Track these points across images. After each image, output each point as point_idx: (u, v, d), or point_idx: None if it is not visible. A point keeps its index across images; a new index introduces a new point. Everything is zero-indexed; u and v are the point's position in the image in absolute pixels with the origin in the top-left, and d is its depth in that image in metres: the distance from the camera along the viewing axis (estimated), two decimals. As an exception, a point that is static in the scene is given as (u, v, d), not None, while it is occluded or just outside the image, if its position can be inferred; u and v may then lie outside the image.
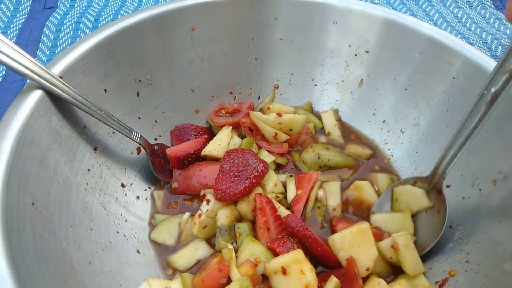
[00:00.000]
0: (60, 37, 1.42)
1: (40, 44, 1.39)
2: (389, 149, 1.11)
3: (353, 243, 0.84)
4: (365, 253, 0.83)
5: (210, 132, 1.12)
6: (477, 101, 0.74)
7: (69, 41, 1.40)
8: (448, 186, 0.94)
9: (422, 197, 0.92)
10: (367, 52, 1.08)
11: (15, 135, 0.68)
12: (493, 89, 0.71)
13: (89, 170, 0.86)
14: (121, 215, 0.91)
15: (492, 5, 1.68)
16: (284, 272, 0.76)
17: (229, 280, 0.80)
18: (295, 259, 0.76)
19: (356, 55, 1.10)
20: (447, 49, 0.94)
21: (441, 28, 1.18)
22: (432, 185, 0.90)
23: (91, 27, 1.46)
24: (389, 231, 0.92)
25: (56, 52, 1.37)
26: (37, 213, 0.68)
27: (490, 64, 0.88)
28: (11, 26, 1.44)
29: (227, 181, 0.89)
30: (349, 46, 1.10)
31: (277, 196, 0.95)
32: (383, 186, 1.02)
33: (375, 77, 1.10)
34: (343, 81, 1.16)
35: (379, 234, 0.91)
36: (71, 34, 1.43)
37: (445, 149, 0.84)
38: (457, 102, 0.95)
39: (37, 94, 0.75)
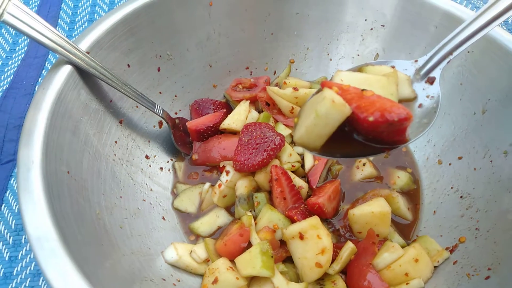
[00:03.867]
0: (78, 13, 1.44)
1: (59, 20, 1.42)
2: (402, 122, 1.13)
3: (370, 223, 0.88)
4: (379, 231, 0.89)
5: (227, 107, 1.16)
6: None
7: (87, 17, 1.43)
8: (460, 158, 0.97)
9: (405, 85, 0.70)
10: (383, 26, 1.09)
11: (49, 107, 0.73)
12: None
13: (116, 142, 0.90)
14: (146, 184, 0.96)
15: (510, -23, 1.64)
16: (301, 237, 0.81)
17: (249, 245, 0.86)
18: (312, 225, 0.80)
19: (372, 29, 1.11)
20: (462, 23, 0.95)
21: (456, 2, 1.18)
22: (424, 71, 0.72)
23: (108, 2, 1.47)
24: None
25: (75, 28, 1.39)
26: (72, 181, 0.73)
27: (505, 38, 0.89)
28: (30, 2, 1.47)
29: (246, 153, 0.93)
30: (365, 20, 1.10)
31: (293, 166, 0.99)
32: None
33: (390, 51, 1.11)
34: (358, 55, 1.17)
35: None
36: (89, 10, 1.45)
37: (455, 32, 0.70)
38: (471, 76, 0.96)
39: (67, 69, 0.78)
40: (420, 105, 0.68)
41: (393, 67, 0.71)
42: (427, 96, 0.69)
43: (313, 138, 0.59)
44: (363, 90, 0.58)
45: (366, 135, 0.59)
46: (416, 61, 0.72)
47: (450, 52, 0.69)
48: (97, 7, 1.46)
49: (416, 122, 0.66)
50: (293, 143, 1.08)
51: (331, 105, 0.54)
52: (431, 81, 0.69)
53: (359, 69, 0.72)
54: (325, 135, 0.58)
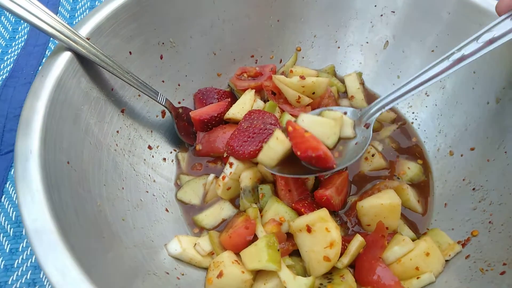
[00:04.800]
0: (79, 0, 1.41)
1: (60, 7, 1.39)
2: (413, 112, 1.10)
3: (379, 215, 0.86)
4: (388, 223, 0.86)
5: (232, 96, 1.13)
6: (443, 58, 0.79)
7: (88, 4, 1.40)
8: (472, 149, 0.94)
9: (348, 127, 0.89)
10: (393, 12, 1.05)
11: (48, 95, 0.70)
12: (463, 52, 0.77)
13: (117, 131, 0.88)
14: (149, 175, 0.93)
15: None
16: (309, 230, 0.79)
17: (255, 238, 0.83)
18: (320, 217, 0.78)
19: (382, 15, 1.07)
20: (477, 9, 0.91)
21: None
22: (364, 119, 0.89)
23: (109, -10, 1.44)
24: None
25: (76, 15, 1.36)
26: (72, 171, 0.71)
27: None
28: (30, -10, 1.44)
29: (240, 140, 0.90)
30: (375, 6, 1.07)
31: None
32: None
33: (400, 39, 1.08)
34: (367, 43, 1.14)
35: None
36: (90, -3, 1.42)
37: (389, 93, 0.86)
38: (485, 63, 0.92)
39: (66, 55, 0.76)
40: (356, 143, 0.87)
41: (345, 113, 0.91)
42: (363, 137, 0.87)
43: (268, 160, 0.86)
44: (305, 131, 0.79)
45: (305, 161, 0.82)
46: (360, 110, 0.91)
47: (383, 107, 0.87)
48: (98, -6, 1.42)
49: (350, 154, 0.85)
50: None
51: (276, 141, 0.83)
52: (367, 126, 0.89)
53: (319, 113, 0.92)
54: (276, 159, 0.85)
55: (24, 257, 0.89)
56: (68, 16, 1.35)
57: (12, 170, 1.01)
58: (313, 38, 1.17)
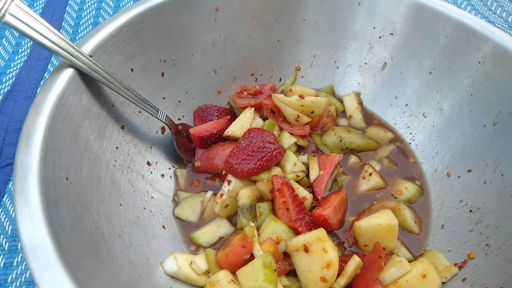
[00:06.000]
0: (83, 16, 1.43)
1: (63, 23, 1.41)
2: (410, 133, 1.11)
3: (377, 235, 0.86)
4: (385, 244, 0.86)
5: (232, 113, 1.14)
6: None
7: (91, 20, 1.42)
8: (469, 170, 0.95)
9: None
10: (392, 34, 1.07)
11: (49, 111, 0.71)
12: None
13: (117, 147, 0.88)
14: (147, 192, 0.93)
15: (519, -12, 1.63)
16: (306, 250, 0.78)
17: (252, 257, 0.83)
18: (317, 237, 0.78)
19: (380, 37, 1.09)
20: (475, 33, 0.93)
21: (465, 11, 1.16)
22: None
23: (112, 6, 1.47)
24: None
25: (79, 31, 1.38)
26: (71, 187, 0.71)
27: (518, 49, 0.87)
28: (35, 5, 1.46)
29: (239, 158, 0.91)
30: (374, 28, 1.09)
31: (297, 175, 0.96)
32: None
33: (399, 60, 1.09)
34: (366, 63, 1.15)
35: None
36: (93, 13, 1.44)
37: None
38: (482, 87, 0.94)
39: (69, 72, 0.77)
40: None
41: None
42: None
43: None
44: None
45: None
46: None
47: None
48: (102, 10, 1.45)
49: None
50: (298, 152, 1.06)
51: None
52: None
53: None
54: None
55: (19, 272, 0.88)
56: (71, 31, 1.37)
57: (10, 183, 1.01)
58: (313, 58, 1.19)
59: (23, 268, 0.89)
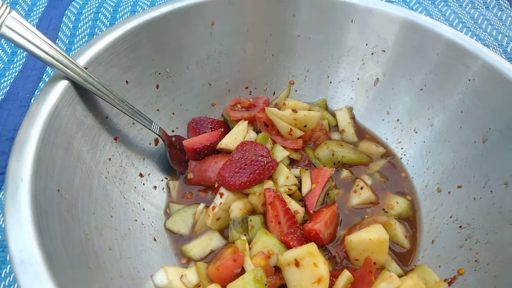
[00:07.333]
0: (79, 26, 1.44)
1: (60, 33, 1.41)
2: (402, 148, 1.12)
3: (367, 250, 0.87)
4: (376, 258, 0.86)
5: (225, 126, 1.14)
6: None
7: (87, 31, 1.43)
8: (459, 186, 0.96)
9: None
10: (384, 51, 1.09)
11: (43, 123, 0.71)
12: None
13: (110, 159, 0.88)
14: (139, 203, 0.93)
15: (509, 7, 1.67)
16: (297, 264, 0.78)
17: (243, 270, 0.83)
18: (309, 252, 0.78)
19: (372, 54, 1.11)
20: (465, 52, 0.95)
21: (457, 29, 1.18)
22: None
23: (109, 17, 1.48)
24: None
25: (75, 41, 1.39)
26: (62, 199, 0.71)
27: (506, 67, 0.89)
28: (31, 15, 1.47)
29: (232, 171, 0.91)
30: (366, 44, 1.11)
31: (289, 189, 0.97)
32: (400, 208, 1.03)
33: (390, 77, 1.11)
34: (358, 79, 1.17)
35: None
36: (90, 24, 1.45)
37: None
38: (472, 104, 0.95)
39: (63, 84, 0.77)
40: None
41: None
42: None
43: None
44: None
45: None
46: None
47: None
48: (98, 21, 1.46)
49: None
50: (291, 165, 1.07)
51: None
52: None
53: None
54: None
55: (6, 283, 0.87)
56: (67, 42, 1.38)
57: (1, 193, 1.00)
58: (306, 72, 1.21)
59: (11, 279, 0.88)
